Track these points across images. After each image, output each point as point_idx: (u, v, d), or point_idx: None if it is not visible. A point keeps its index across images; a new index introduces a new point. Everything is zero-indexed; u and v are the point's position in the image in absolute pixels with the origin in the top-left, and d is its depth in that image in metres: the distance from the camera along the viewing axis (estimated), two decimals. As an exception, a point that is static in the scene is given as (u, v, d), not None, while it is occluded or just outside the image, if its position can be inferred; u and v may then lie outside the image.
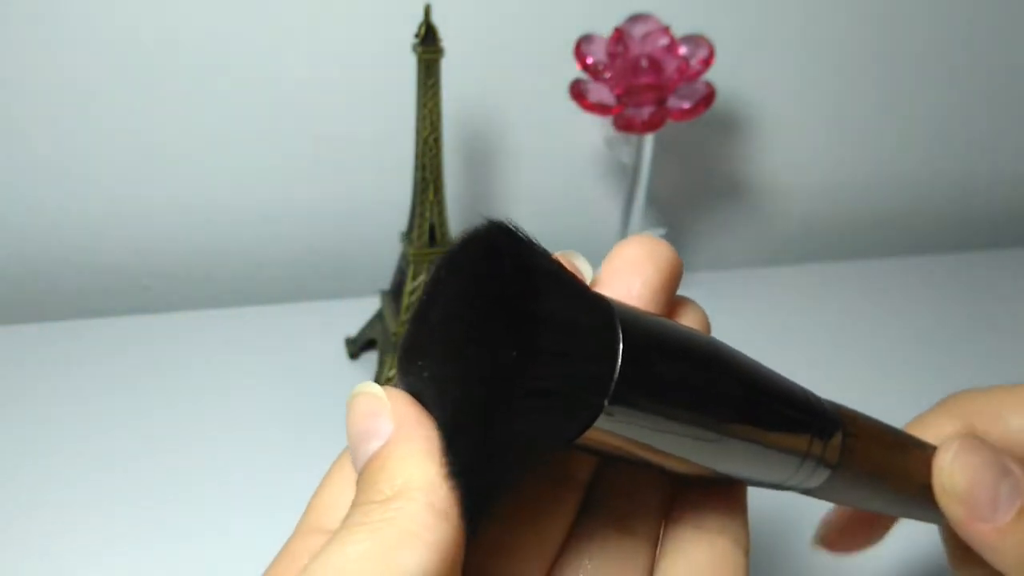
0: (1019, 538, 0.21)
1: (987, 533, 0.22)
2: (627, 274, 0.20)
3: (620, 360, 0.17)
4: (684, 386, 0.19)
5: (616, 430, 0.18)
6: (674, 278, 0.21)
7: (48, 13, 0.55)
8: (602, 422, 0.17)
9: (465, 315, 0.16)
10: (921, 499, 0.24)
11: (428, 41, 0.47)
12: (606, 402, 0.17)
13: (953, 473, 0.23)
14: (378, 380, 0.51)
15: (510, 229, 0.18)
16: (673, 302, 0.22)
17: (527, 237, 0.18)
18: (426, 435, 0.16)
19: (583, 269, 0.20)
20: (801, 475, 0.22)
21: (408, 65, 0.49)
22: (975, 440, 0.23)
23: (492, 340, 0.15)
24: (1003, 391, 0.25)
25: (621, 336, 0.17)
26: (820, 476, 0.22)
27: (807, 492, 0.23)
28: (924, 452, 0.25)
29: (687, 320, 0.22)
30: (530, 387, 0.16)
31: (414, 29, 0.47)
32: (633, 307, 0.19)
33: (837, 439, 0.22)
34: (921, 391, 0.55)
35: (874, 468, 0.23)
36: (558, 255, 0.20)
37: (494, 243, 0.17)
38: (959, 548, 0.26)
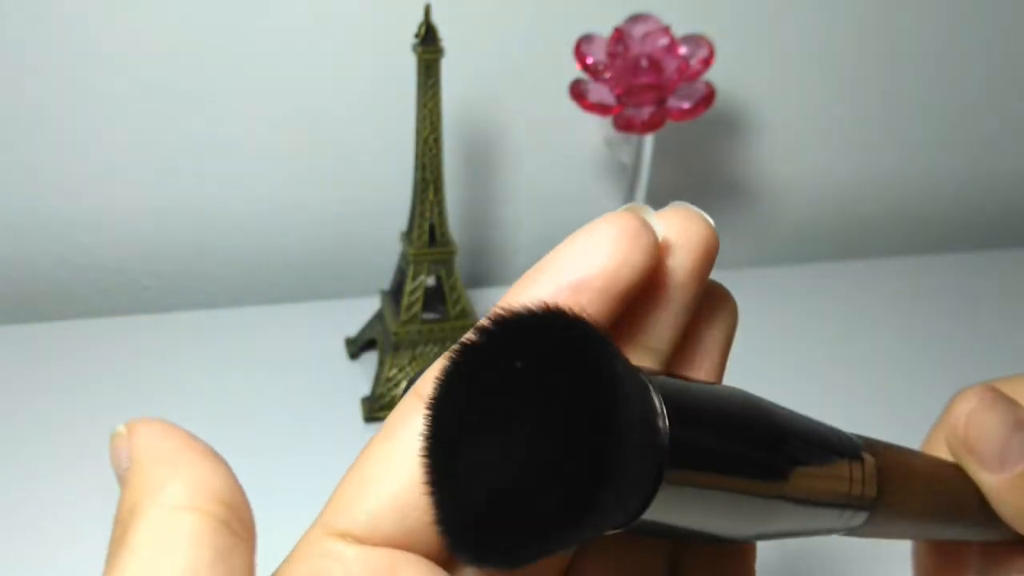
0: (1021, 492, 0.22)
1: (995, 482, 0.22)
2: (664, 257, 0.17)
3: (661, 473, 0.15)
4: (728, 470, 0.17)
5: (659, 518, 0.16)
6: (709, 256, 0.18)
7: (48, 14, 0.55)
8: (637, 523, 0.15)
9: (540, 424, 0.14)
10: (966, 514, 0.24)
11: (428, 41, 0.47)
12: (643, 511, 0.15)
13: (968, 425, 0.22)
14: (378, 380, 0.51)
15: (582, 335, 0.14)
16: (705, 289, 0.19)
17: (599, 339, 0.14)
18: (163, 468, 0.15)
19: (655, 226, 0.17)
20: (844, 518, 0.21)
21: (408, 65, 0.49)
22: (993, 392, 0.23)
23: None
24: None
25: (665, 454, 0.15)
26: (861, 515, 0.21)
27: (850, 533, 0.22)
28: (954, 469, 0.24)
29: (719, 324, 0.20)
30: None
31: (414, 29, 0.47)
32: (675, 381, 0.17)
33: (871, 471, 0.21)
34: (921, 391, 0.55)
35: (911, 493, 0.23)
36: (627, 209, 0.17)
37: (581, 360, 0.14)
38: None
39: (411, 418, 0.17)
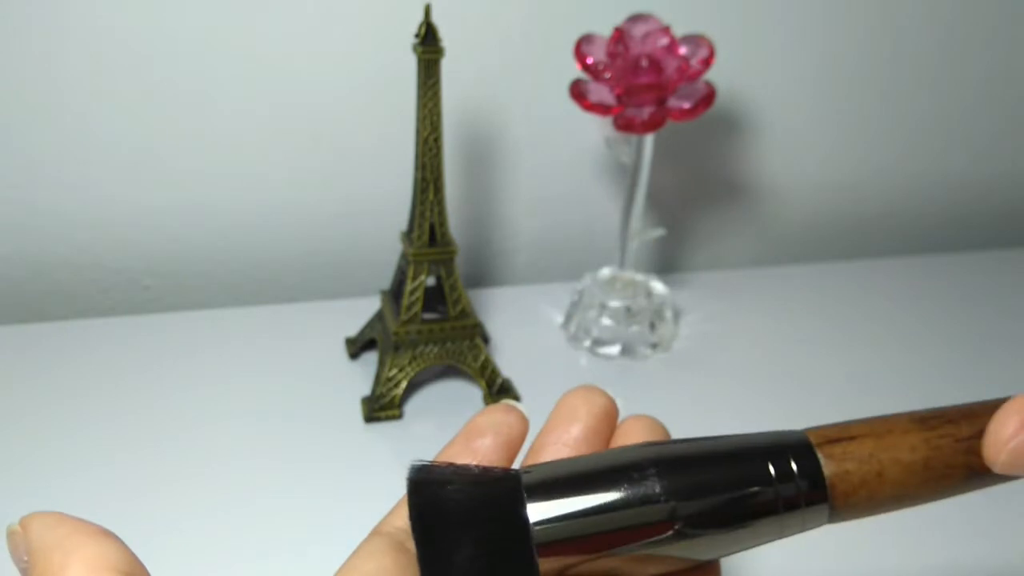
0: None
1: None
2: (566, 422, 0.24)
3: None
4: (608, 530, 0.21)
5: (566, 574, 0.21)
6: (608, 419, 0.25)
7: (48, 14, 0.55)
8: None
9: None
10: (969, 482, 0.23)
11: (428, 41, 0.47)
12: None
13: (1010, 454, 0.21)
14: (378, 380, 0.51)
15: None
16: (616, 428, 0.25)
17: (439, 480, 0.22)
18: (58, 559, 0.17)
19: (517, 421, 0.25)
20: (795, 521, 0.22)
21: (408, 65, 0.49)
22: None
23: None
24: None
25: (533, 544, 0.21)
26: (819, 513, 0.22)
27: (830, 521, 0.23)
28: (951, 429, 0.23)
29: (634, 436, 0.25)
30: None
31: (414, 29, 0.47)
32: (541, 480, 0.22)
33: (811, 471, 0.22)
34: (921, 390, 0.55)
35: (883, 481, 0.23)
36: (498, 407, 0.25)
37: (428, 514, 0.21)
38: None
39: (378, 538, 0.23)
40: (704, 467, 0.22)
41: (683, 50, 0.54)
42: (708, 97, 0.53)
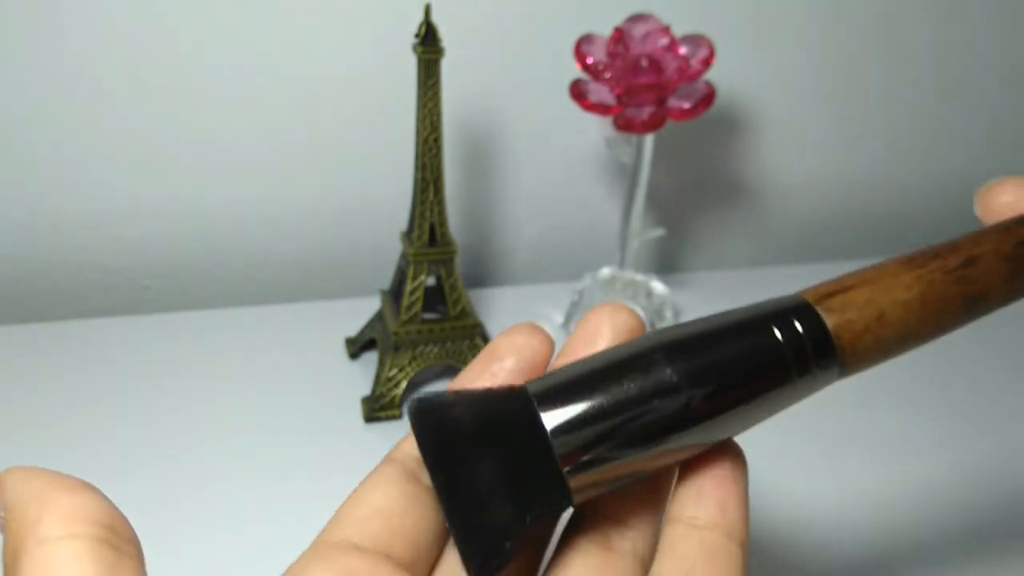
0: None
1: None
2: (590, 340, 0.23)
3: (561, 467, 0.20)
4: (624, 422, 0.20)
5: (595, 482, 0.20)
6: (634, 333, 0.23)
7: (48, 14, 0.55)
8: (575, 496, 0.20)
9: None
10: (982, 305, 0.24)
11: (428, 41, 0.47)
12: (569, 502, 0.20)
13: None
14: (378, 380, 0.51)
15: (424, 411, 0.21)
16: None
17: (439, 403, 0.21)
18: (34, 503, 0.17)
19: (543, 341, 0.24)
20: (806, 386, 0.22)
21: (408, 65, 0.49)
22: None
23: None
24: None
25: (551, 439, 0.20)
26: (829, 370, 0.22)
27: (841, 377, 0.23)
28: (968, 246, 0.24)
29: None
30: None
31: (414, 29, 0.47)
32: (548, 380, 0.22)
33: (813, 328, 0.22)
34: (922, 388, 0.55)
35: (888, 325, 0.23)
36: (521, 328, 0.24)
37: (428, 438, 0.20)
38: None
39: (388, 466, 0.23)
40: (712, 346, 0.21)
41: (683, 50, 0.54)
42: (708, 97, 0.53)
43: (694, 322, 0.22)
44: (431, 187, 0.50)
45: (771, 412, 0.22)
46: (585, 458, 0.20)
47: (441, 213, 0.51)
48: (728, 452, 0.22)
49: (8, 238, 0.61)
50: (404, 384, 0.51)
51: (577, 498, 0.20)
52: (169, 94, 0.59)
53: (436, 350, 0.52)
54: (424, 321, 0.51)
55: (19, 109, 0.58)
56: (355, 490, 0.22)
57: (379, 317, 0.54)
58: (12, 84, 0.57)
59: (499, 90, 0.65)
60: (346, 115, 0.63)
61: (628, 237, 0.60)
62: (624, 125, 0.53)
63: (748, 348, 0.21)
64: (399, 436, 0.50)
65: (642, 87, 0.53)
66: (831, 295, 0.23)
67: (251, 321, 0.60)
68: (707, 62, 0.53)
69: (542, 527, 0.20)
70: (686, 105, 0.53)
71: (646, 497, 0.23)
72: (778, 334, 0.21)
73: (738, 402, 0.21)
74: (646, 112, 0.53)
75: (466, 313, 0.52)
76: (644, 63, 0.53)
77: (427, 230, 0.51)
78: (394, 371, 0.51)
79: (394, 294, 0.54)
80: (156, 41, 0.58)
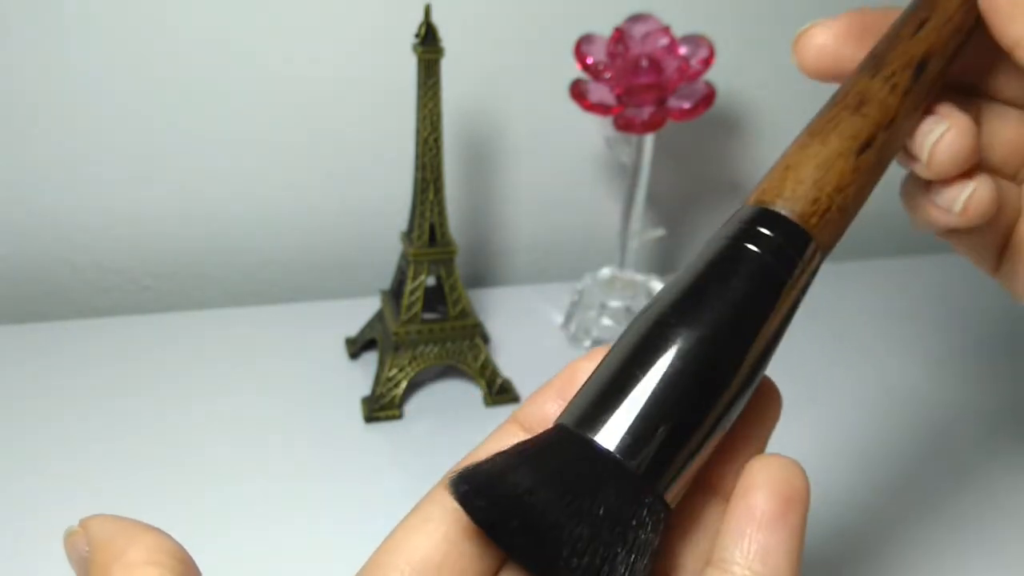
0: None
1: None
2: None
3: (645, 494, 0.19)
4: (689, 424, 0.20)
5: (678, 478, 0.20)
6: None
7: (48, 13, 0.55)
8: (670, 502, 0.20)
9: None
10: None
11: (428, 41, 0.47)
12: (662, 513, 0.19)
13: None
14: (378, 380, 0.51)
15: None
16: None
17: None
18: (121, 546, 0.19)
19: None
20: (801, 282, 0.22)
21: (408, 65, 0.49)
22: None
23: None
24: None
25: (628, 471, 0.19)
26: (813, 254, 0.22)
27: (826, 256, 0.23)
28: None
29: (765, 423, 0.23)
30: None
31: (414, 29, 0.47)
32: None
33: (779, 219, 0.22)
34: (920, 390, 0.55)
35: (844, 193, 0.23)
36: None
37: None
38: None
39: (438, 500, 0.21)
40: (708, 292, 0.21)
41: (683, 50, 0.54)
42: (708, 97, 0.53)
43: (674, 281, 0.22)
44: (431, 187, 0.50)
45: (789, 319, 0.22)
46: (658, 459, 0.19)
47: (441, 213, 0.51)
48: (786, 482, 0.20)
49: (8, 238, 0.61)
50: (404, 384, 0.51)
51: (673, 501, 0.20)
52: (169, 94, 0.59)
53: (436, 350, 0.52)
54: (424, 321, 0.51)
55: (19, 109, 0.58)
56: (396, 529, 0.21)
57: (379, 317, 0.54)
58: (12, 84, 0.57)
59: (499, 90, 0.65)
60: (346, 115, 0.63)
61: (628, 237, 0.60)
62: (624, 125, 0.53)
63: (740, 277, 0.21)
64: (399, 436, 0.51)
65: (642, 87, 0.53)
66: (779, 187, 0.23)
67: (251, 321, 0.60)
68: (707, 62, 0.53)
69: (656, 542, 0.19)
70: (686, 105, 0.53)
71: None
72: (754, 248, 0.21)
73: (759, 330, 0.21)
74: (646, 112, 0.53)
75: (466, 313, 0.52)
76: (644, 63, 0.53)
77: (427, 230, 0.51)
78: (394, 371, 0.51)
79: (394, 294, 0.54)
80: (156, 41, 0.58)
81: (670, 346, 0.20)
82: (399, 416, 0.50)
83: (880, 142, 0.23)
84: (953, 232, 0.28)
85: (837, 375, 0.57)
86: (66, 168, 0.60)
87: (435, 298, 0.53)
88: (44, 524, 0.41)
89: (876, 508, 0.45)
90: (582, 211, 0.71)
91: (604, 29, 0.55)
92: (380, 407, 0.50)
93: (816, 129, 0.24)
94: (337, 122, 0.63)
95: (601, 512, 0.18)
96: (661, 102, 0.53)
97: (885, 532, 0.43)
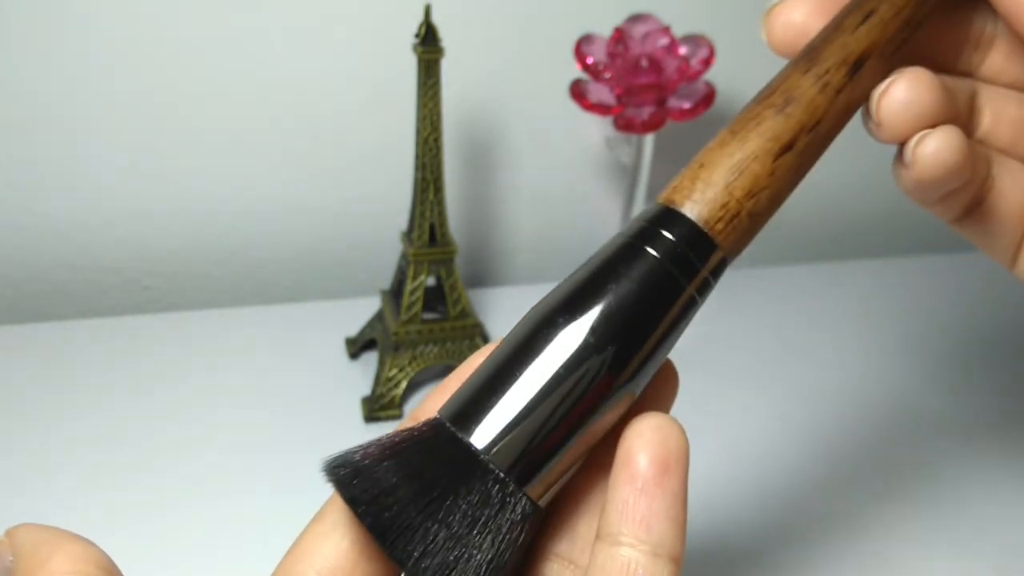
0: None
1: None
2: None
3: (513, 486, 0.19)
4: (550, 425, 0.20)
5: (550, 480, 0.20)
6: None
7: (48, 13, 0.55)
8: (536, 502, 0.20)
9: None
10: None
11: (428, 41, 0.47)
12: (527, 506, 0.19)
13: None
14: (377, 379, 0.51)
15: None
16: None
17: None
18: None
19: None
20: (702, 290, 0.21)
21: (408, 65, 0.49)
22: None
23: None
24: None
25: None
26: (717, 260, 0.21)
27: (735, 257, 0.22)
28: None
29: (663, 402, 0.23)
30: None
31: (414, 29, 0.47)
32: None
33: (681, 221, 0.21)
34: (920, 389, 0.55)
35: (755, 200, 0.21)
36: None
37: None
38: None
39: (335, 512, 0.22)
40: (601, 292, 0.20)
41: (683, 50, 0.54)
42: (708, 97, 0.53)
43: (570, 277, 0.21)
44: (431, 187, 0.50)
45: (683, 325, 0.21)
46: (526, 459, 0.19)
47: (441, 213, 0.51)
48: (662, 445, 0.19)
49: (8, 238, 0.61)
50: (404, 384, 0.51)
51: (542, 501, 0.20)
52: (169, 94, 0.59)
53: (436, 350, 0.52)
54: (424, 321, 0.51)
55: (19, 109, 0.58)
56: (297, 541, 0.22)
57: (379, 317, 0.55)
58: (12, 84, 0.57)
59: (499, 90, 0.65)
60: (346, 115, 0.63)
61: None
62: (624, 125, 0.53)
63: (634, 280, 0.20)
64: (399, 436, 0.50)
65: (642, 87, 0.53)
66: (689, 187, 0.21)
67: (251, 321, 0.60)
68: (707, 62, 0.53)
69: (519, 541, 0.19)
70: (686, 105, 0.53)
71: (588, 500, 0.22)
72: (653, 251, 0.20)
73: (648, 337, 0.20)
74: (646, 112, 0.53)
75: (466, 313, 0.52)
76: (644, 63, 0.53)
77: (427, 230, 0.51)
78: (394, 371, 0.51)
79: (394, 294, 0.54)
80: (156, 41, 0.58)
81: (551, 346, 0.19)
82: (399, 416, 0.50)
83: (802, 145, 0.22)
84: (958, 221, 0.27)
85: (838, 375, 0.57)
86: (66, 168, 0.60)
87: (435, 298, 0.53)
88: (43, 523, 0.41)
89: (874, 510, 0.45)
90: (582, 211, 0.71)
91: (604, 29, 0.55)
92: (380, 407, 0.50)
93: (737, 127, 0.22)
94: (337, 122, 0.63)
95: (459, 512, 0.18)
96: (661, 102, 0.53)
97: (881, 531, 0.43)
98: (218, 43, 0.58)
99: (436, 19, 0.47)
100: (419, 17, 0.47)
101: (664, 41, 0.54)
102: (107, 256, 0.63)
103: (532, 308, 0.21)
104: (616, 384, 0.20)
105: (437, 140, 0.49)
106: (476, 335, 0.53)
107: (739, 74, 0.69)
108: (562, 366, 0.19)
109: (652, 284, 0.20)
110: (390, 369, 0.51)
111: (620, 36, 0.53)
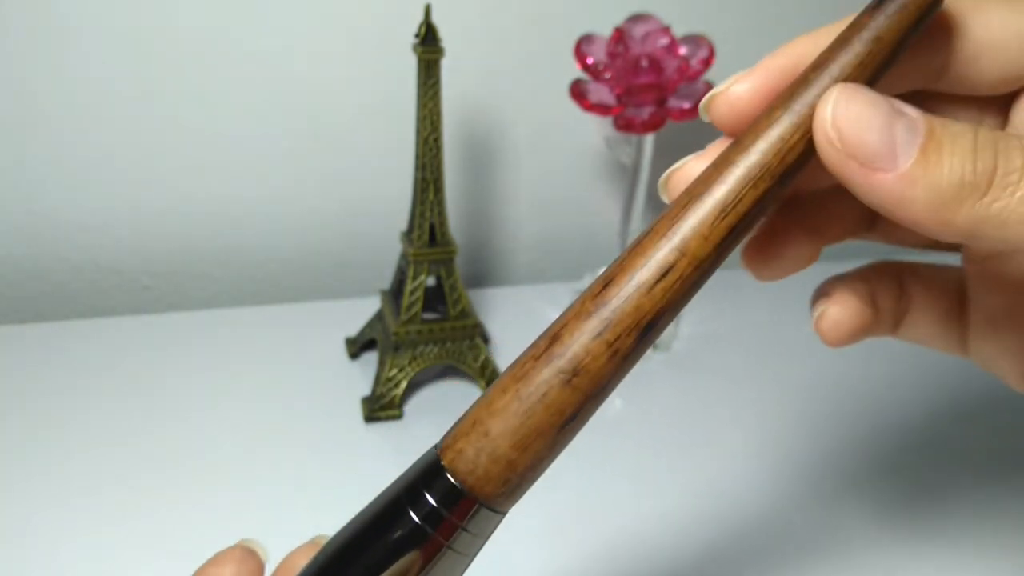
0: (929, 179, 0.18)
1: (892, 183, 0.19)
2: None
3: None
4: None
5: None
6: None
7: (48, 13, 0.55)
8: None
9: None
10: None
11: (428, 41, 0.47)
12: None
13: (837, 125, 0.19)
14: (378, 380, 0.51)
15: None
16: None
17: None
18: None
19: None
20: (467, 543, 0.21)
21: (408, 65, 0.49)
22: (853, 85, 0.20)
23: None
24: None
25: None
26: (480, 515, 0.21)
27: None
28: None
29: None
30: None
31: (414, 29, 0.47)
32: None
33: (439, 479, 0.21)
34: (921, 389, 0.55)
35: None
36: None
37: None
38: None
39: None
40: (361, 561, 0.20)
41: (683, 50, 0.54)
42: (708, 97, 0.53)
43: (343, 530, 0.21)
44: (431, 187, 0.50)
45: (463, 567, 0.20)
46: None
47: (441, 213, 0.51)
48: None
49: (8, 238, 0.61)
50: (404, 384, 0.51)
51: None
52: (169, 94, 0.59)
53: (436, 350, 0.52)
54: (424, 321, 0.51)
55: (19, 109, 0.58)
56: (289, 557, 0.23)
57: (379, 317, 0.55)
58: (12, 84, 0.57)
59: (499, 90, 0.65)
60: (346, 115, 0.63)
61: (628, 237, 0.60)
62: (624, 125, 0.53)
63: (395, 551, 0.20)
64: (399, 436, 0.51)
65: (642, 87, 0.53)
66: (472, 458, 0.20)
67: (251, 321, 0.60)
68: (707, 62, 0.53)
69: None
70: (686, 105, 0.53)
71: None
72: (414, 515, 0.20)
73: None
74: (646, 112, 0.53)
75: (466, 313, 0.52)
76: (644, 63, 0.53)
77: (427, 230, 0.51)
78: (394, 371, 0.51)
79: (394, 294, 0.54)
80: (157, 41, 0.58)
81: None
82: (399, 416, 0.50)
83: (587, 411, 0.21)
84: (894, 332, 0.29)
85: (838, 375, 0.57)
86: (66, 168, 0.60)
87: (435, 298, 0.53)
88: (44, 524, 0.41)
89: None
90: (582, 211, 0.71)
91: (604, 29, 0.55)
92: (380, 407, 0.50)
93: (524, 393, 0.21)
94: (337, 122, 0.63)
95: None
96: (661, 102, 0.53)
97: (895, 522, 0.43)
98: (218, 43, 0.59)
99: (436, 19, 0.47)
100: (419, 17, 0.47)
101: (664, 41, 0.54)
102: (107, 256, 0.63)
103: (311, 562, 0.21)
104: None
105: (437, 140, 0.49)
106: (476, 335, 0.53)
107: (739, 74, 0.69)
108: None
109: (403, 545, 0.20)
110: (390, 369, 0.51)
111: (620, 36, 0.53)
